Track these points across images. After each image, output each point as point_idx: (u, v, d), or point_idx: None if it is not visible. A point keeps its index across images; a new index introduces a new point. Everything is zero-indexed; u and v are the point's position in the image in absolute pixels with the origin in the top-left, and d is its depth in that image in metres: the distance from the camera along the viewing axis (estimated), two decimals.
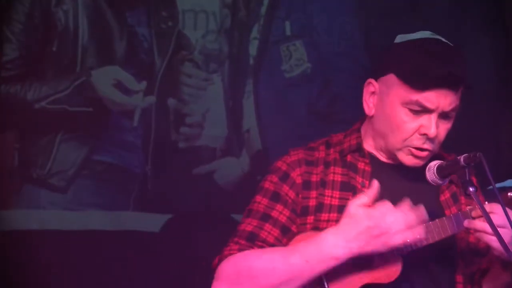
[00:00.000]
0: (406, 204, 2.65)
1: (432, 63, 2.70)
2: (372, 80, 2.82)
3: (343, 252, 2.61)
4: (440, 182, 2.68)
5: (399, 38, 2.82)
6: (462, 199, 2.87)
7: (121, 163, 4.65)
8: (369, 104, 2.82)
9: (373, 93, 2.81)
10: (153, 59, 4.71)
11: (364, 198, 2.64)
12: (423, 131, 2.73)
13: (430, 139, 2.74)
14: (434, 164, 2.68)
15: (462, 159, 2.60)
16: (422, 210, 2.66)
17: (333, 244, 2.61)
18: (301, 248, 2.66)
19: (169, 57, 4.72)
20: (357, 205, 2.64)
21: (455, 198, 2.87)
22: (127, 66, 4.66)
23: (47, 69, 4.55)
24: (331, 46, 4.95)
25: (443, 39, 2.81)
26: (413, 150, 2.75)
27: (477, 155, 2.58)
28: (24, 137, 4.52)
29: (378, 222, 2.60)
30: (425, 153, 2.76)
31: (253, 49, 4.87)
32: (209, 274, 2.76)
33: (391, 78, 2.76)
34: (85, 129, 4.59)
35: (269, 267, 2.65)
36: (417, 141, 2.74)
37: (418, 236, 2.62)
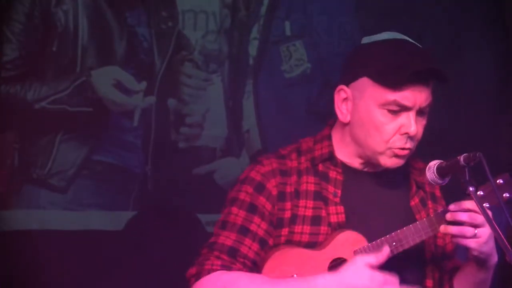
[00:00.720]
0: None
1: (404, 60, 2.69)
2: (343, 86, 2.77)
3: None
4: (440, 181, 2.68)
5: (366, 41, 2.79)
6: (429, 204, 2.87)
7: (121, 163, 4.65)
8: (343, 111, 2.77)
9: (345, 99, 2.76)
10: (153, 59, 4.71)
11: (373, 258, 2.61)
12: (404, 130, 2.71)
13: (411, 138, 2.72)
14: (434, 164, 2.68)
15: (461, 159, 2.60)
16: None
17: (325, 286, 2.59)
18: (291, 286, 2.62)
19: (169, 57, 4.73)
20: (365, 263, 2.60)
21: (423, 202, 2.87)
22: (127, 66, 4.66)
23: (47, 69, 4.55)
24: (331, 46, 4.95)
25: (409, 38, 2.79)
26: (396, 151, 2.73)
27: (477, 155, 2.58)
28: (24, 137, 4.52)
29: (376, 285, 2.57)
30: (406, 152, 2.75)
31: (253, 49, 4.87)
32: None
33: (364, 81, 2.72)
34: (85, 129, 4.59)
35: None
36: (400, 142, 2.72)
37: None
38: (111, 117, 4.63)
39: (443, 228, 2.70)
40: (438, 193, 2.92)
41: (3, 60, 4.46)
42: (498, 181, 2.72)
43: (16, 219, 4.47)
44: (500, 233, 2.54)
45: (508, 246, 2.51)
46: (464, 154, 2.61)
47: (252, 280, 2.66)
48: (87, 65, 4.59)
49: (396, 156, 2.74)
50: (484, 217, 2.57)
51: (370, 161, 2.80)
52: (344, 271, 2.61)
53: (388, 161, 2.75)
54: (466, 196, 2.63)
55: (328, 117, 2.95)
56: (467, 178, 2.59)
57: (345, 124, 2.80)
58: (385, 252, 2.63)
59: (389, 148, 2.73)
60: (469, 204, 2.67)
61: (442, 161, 2.68)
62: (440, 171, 2.66)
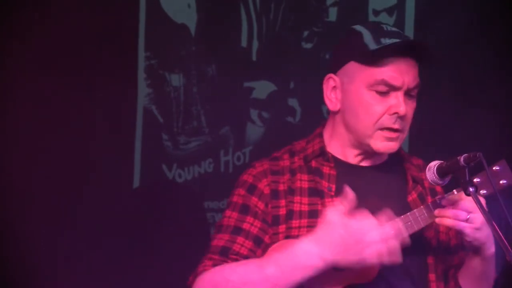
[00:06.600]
0: (384, 215, 2.65)
1: (387, 37, 2.75)
2: (332, 75, 2.84)
3: (317, 261, 2.61)
4: (440, 182, 2.69)
5: (349, 30, 2.85)
6: (429, 199, 2.88)
7: None
8: (332, 99, 2.84)
9: (334, 87, 2.83)
10: None
11: (340, 206, 2.64)
12: (393, 110, 2.76)
13: (401, 118, 2.76)
14: (434, 164, 2.70)
15: (462, 159, 2.61)
16: (399, 224, 2.66)
17: (307, 253, 2.61)
18: (275, 258, 2.66)
19: None
20: (333, 213, 2.63)
21: (421, 198, 2.89)
22: None
23: None
24: None
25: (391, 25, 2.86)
26: (385, 132, 2.77)
27: (477, 155, 2.59)
28: None
29: (353, 231, 2.60)
30: (396, 134, 2.78)
31: None
32: None
33: (351, 65, 2.79)
34: None
35: (244, 279, 2.65)
36: (388, 121, 2.77)
37: (393, 251, 2.61)
38: None
39: (437, 211, 2.72)
40: (438, 188, 2.93)
41: None
42: (494, 168, 2.75)
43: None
44: (500, 233, 2.54)
45: (508, 245, 2.51)
46: (464, 155, 2.62)
47: (238, 264, 2.71)
48: None
49: (387, 139, 2.78)
50: (484, 217, 2.57)
51: (363, 149, 2.83)
52: (318, 229, 2.64)
53: (379, 145, 2.79)
54: (467, 195, 2.62)
55: None
56: (467, 178, 2.59)
57: (335, 113, 2.86)
58: (348, 193, 2.64)
59: (378, 129, 2.77)
60: (458, 196, 2.70)
61: (442, 161, 2.69)
62: (440, 171, 2.67)
